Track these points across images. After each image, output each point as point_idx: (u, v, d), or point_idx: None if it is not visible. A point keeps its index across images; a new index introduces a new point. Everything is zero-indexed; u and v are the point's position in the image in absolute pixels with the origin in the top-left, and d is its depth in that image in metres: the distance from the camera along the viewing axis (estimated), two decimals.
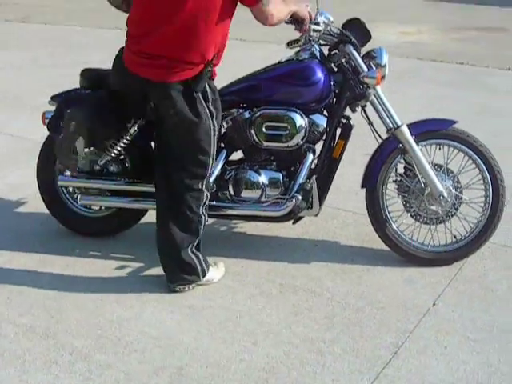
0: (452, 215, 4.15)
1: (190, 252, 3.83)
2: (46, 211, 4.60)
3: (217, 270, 4.01)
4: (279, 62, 4.12)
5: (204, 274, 3.90)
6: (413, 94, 7.63)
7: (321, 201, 4.12)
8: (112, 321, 3.66)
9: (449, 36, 11.02)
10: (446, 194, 4.03)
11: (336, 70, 4.07)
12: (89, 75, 4.23)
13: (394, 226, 4.16)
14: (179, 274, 3.86)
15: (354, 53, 3.97)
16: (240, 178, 4.09)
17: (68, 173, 4.39)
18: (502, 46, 10.21)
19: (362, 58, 4.01)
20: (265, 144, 4.06)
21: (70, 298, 3.88)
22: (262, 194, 4.08)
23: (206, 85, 3.66)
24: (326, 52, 4.12)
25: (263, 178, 4.08)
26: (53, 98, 4.34)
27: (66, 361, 3.36)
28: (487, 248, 4.26)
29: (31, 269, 4.17)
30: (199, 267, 3.86)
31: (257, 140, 4.06)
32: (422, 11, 13.18)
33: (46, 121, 4.23)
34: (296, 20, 3.84)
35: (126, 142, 4.10)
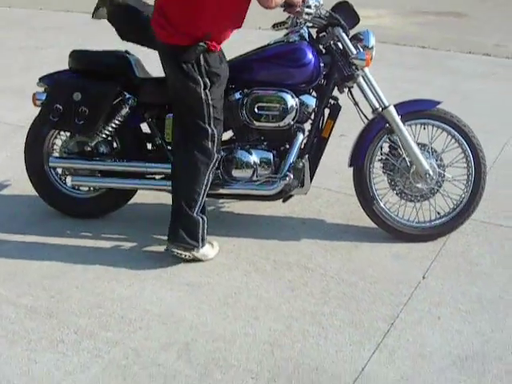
0: (436, 192, 4.30)
1: (195, 214, 3.94)
2: (32, 193, 4.65)
3: (211, 248, 4.10)
4: (269, 44, 4.23)
5: (203, 244, 4.00)
6: (378, 78, 7.65)
7: (311, 179, 4.24)
8: (113, 299, 3.74)
9: (409, 20, 11.20)
10: (431, 172, 4.18)
11: (324, 51, 4.17)
12: (78, 56, 4.32)
13: (381, 204, 4.30)
14: (181, 233, 3.95)
15: (343, 35, 4.07)
16: (231, 158, 4.18)
17: (57, 154, 4.47)
18: (461, 31, 10.40)
19: (350, 40, 4.12)
20: (256, 124, 4.15)
21: (67, 277, 3.94)
22: (253, 174, 4.18)
23: (202, 57, 3.80)
24: (314, 34, 4.24)
25: (254, 158, 4.17)
26: (41, 79, 4.38)
27: (72, 339, 3.43)
28: (468, 224, 4.42)
29: (23, 250, 4.22)
30: (200, 233, 3.98)
31: (248, 120, 4.15)
32: None
33: (38, 102, 4.29)
34: (288, 3, 3.91)
35: (118, 122, 4.20)
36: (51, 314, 3.62)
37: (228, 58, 4.14)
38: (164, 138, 4.29)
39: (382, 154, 4.32)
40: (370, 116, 4.27)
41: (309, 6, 3.99)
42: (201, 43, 3.78)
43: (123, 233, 4.39)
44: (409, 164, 4.20)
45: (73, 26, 10.42)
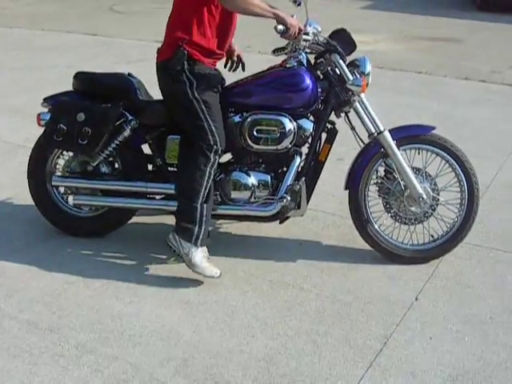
0: (429, 216, 4.40)
1: (197, 204, 4.09)
2: (33, 212, 4.74)
3: (209, 267, 4.16)
4: (268, 69, 4.34)
5: (196, 242, 4.11)
6: (374, 103, 7.80)
7: (307, 201, 4.34)
8: (113, 315, 3.82)
9: (405, 46, 11.35)
10: (425, 196, 4.28)
11: (322, 77, 4.29)
12: (82, 78, 4.43)
13: (376, 226, 4.40)
14: (179, 222, 4.15)
15: (341, 62, 4.19)
16: (230, 180, 4.27)
17: (59, 173, 4.57)
18: (457, 56, 10.55)
19: (347, 66, 4.23)
20: (255, 147, 4.26)
21: (68, 294, 4.02)
22: (251, 195, 4.28)
23: (186, 63, 4.01)
24: (312, 60, 4.35)
25: (252, 180, 4.27)
26: (45, 99, 4.47)
27: (73, 354, 3.51)
28: (461, 248, 4.52)
29: (25, 267, 4.30)
30: (198, 217, 4.10)
31: (247, 143, 4.25)
32: (376, 21, 13.49)
33: (42, 122, 4.39)
34: (286, 28, 3.97)
35: (119, 143, 4.31)
36: (52, 329, 3.70)
37: (228, 83, 4.27)
38: (165, 160, 4.37)
39: (377, 178, 4.42)
40: (366, 140, 4.37)
41: (307, 33, 4.09)
42: (180, 49, 3.99)
43: (123, 251, 4.48)
44: (403, 188, 4.30)
45: (73, 47, 10.56)
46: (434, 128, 4.36)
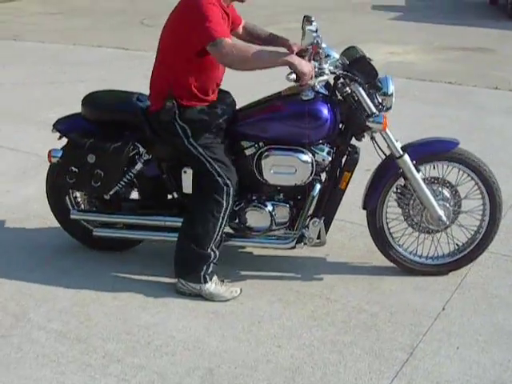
0: (449, 227, 4.33)
1: (204, 251, 4.05)
2: (57, 225, 4.77)
3: (227, 290, 4.15)
4: (280, 93, 4.16)
5: (205, 281, 4.09)
6: (404, 113, 7.85)
7: (326, 231, 4.27)
8: (140, 325, 3.86)
9: (434, 56, 11.30)
10: (444, 218, 4.20)
11: (342, 99, 4.08)
12: (91, 107, 4.35)
13: (396, 246, 4.36)
14: (184, 267, 4.12)
15: (362, 92, 3.99)
16: (249, 210, 4.19)
17: (80, 204, 4.65)
18: (487, 66, 10.49)
19: (368, 88, 4.05)
20: (272, 183, 4.16)
21: (96, 305, 4.06)
22: (271, 224, 4.18)
23: (177, 113, 3.97)
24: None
25: (271, 209, 4.17)
26: (55, 125, 4.45)
27: (100, 363, 3.55)
28: (489, 258, 4.51)
29: (53, 278, 4.35)
30: (203, 271, 4.08)
31: (264, 180, 4.15)
32: (405, 32, 13.45)
33: (53, 160, 4.35)
34: (296, 75, 3.75)
35: (132, 175, 4.32)
36: (80, 339, 3.74)
37: (238, 102, 4.27)
38: (182, 192, 4.29)
39: (397, 191, 4.32)
40: (387, 151, 4.26)
41: (322, 73, 3.89)
42: (168, 101, 3.95)
43: (150, 263, 4.51)
44: (423, 208, 4.24)
45: (104, 61, 10.66)
46: (457, 144, 4.21)
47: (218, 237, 4.08)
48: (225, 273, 4.30)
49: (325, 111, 3.98)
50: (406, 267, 4.37)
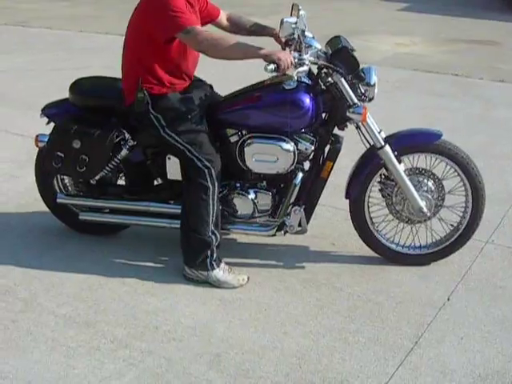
0: (430, 219, 4.36)
1: (204, 237, 4.09)
2: None
3: (235, 277, 4.19)
4: (264, 84, 4.17)
5: (212, 267, 4.13)
6: (409, 105, 7.91)
7: (308, 220, 4.29)
8: (148, 311, 3.90)
9: (441, 48, 11.31)
10: (425, 209, 4.23)
11: (325, 88, 4.09)
12: (78, 93, 4.37)
13: (377, 234, 4.40)
14: (190, 255, 4.16)
15: (343, 82, 3.99)
16: (233, 197, 4.25)
17: (69, 189, 4.71)
18: (494, 59, 10.51)
19: (351, 78, 4.04)
20: (255, 171, 4.19)
21: (104, 290, 4.11)
22: (253, 211, 4.25)
23: (150, 103, 4.02)
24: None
25: (254, 196, 4.22)
26: (43, 110, 4.51)
27: (109, 348, 3.59)
28: (494, 249, 4.55)
29: (62, 263, 4.39)
30: (209, 258, 4.12)
31: (246, 168, 4.19)
32: (413, 23, 13.46)
33: (40, 144, 4.42)
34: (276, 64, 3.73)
35: (118, 161, 4.36)
36: (89, 324, 3.79)
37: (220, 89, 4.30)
38: (166, 178, 4.35)
39: (381, 179, 4.33)
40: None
41: (302, 63, 3.83)
42: (139, 92, 4.00)
43: (159, 250, 4.56)
44: (404, 198, 4.27)
45: (111, 48, 10.65)
46: (440, 135, 4.21)
47: (214, 219, 4.09)
48: (232, 261, 4.34)
49: (307, 100, 4.00)
50: (388, 256, 4.43)
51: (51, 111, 4.48)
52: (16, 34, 12.04)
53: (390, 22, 13.48)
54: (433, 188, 4.28)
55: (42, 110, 4.50)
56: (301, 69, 3.82)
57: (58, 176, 4.64)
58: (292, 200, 4.22)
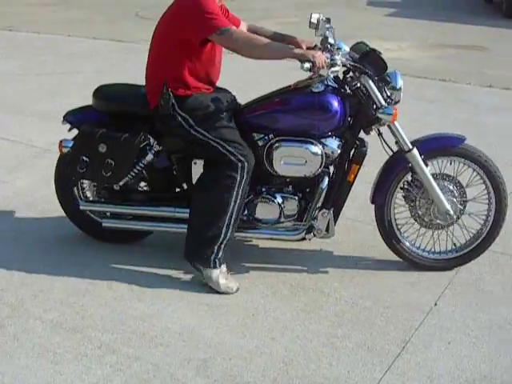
0: (453, 224, 4.40)
1: (214, 230, 4.08)
2: (57, 215, 4.83)
3: (224, 284, 4.16)
4: (293, 87, 4.21)
5: (215, 265, 4.11)
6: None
7: (335, 223, 4.31)
8: (135, 317, 3.89)
9: (429, 53, 11.36)
10: (452, 212, 4.26)
11: (351, 93, 4.16)
12: (103, 99, 4.40)
13: (404, 240, 4.42)
14: (195, 248, 4.15)
15: (371, 84, 4.05)
16: (258, 202, 4.26)
17: (89, 194, 4.67)
18: (481, 64, 10.55)
19: (378, 81, 4.10)
20: (282, 174, 4.21)
21: (92, 295, 4.10)
22: (279, 216, 4.26)
23: (175, 105, 4.04)
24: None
25: (280, 201, 4.24)
26: (65, 117, 4.48)
27: (96, 354, 3.58)
28: (482, 255, 4.55)
29: (50, 269, 4.37)
30: (213, 256, 4.11)
31: (273, 171, 4.20)
32: (400, 29, 13.50)
33: (64, 150, 4.38)
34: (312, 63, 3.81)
35: (143, 166, 4.33)
36: (76, 329, 3.77)
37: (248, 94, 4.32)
38: (192, 184, 4.33)
39: (404, 187, 4.37)
40: (394, 147, 4.33)
41: (334, 64, 3.91)
42: (164, 94, 4.02)
43: (147, 256, 4.55)
44: (431, 201, 4.29)
45: (100, 52, 10.69)
46: (464, 140, 4.30)
47: (235, 215, 4.09)
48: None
49: (335, 103, 4.05)
50: (411, 261, 4.43)
51: (74, 118, 4.46)
52: (4, 38, 12.01)
53: (378, 27, 13.51)
54: (456, 193, 4.32)
55: (64, 117, 4.47)
56: (333, 69, 3.91)
57: (79, 183, 4.60)
58: (319, 204, 4.24)
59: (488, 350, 3.66)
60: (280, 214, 4.24)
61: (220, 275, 4.14)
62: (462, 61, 10.83)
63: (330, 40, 4.09)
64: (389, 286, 4.24)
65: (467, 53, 11.50)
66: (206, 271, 4.13)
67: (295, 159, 4.13)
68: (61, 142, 4.40)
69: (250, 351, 3.60)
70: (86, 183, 4.64)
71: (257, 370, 3.45)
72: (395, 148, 4.30)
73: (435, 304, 4.06)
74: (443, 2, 17.23)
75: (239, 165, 4.02)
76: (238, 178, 4.03)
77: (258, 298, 4.09)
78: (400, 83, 4.16)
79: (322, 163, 4.12)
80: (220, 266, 4.15)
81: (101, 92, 4.41)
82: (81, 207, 4.54)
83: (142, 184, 4.60)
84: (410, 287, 4.23)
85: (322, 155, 4.11)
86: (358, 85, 4.10)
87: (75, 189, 4.60)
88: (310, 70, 3.81)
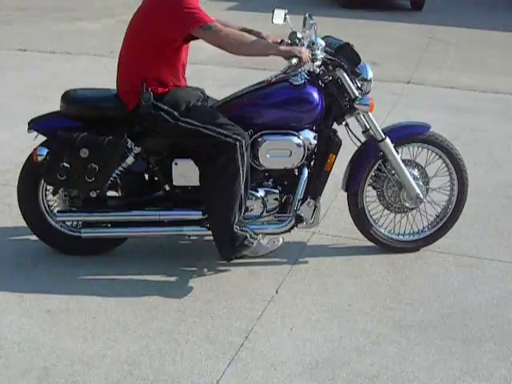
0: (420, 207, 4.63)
1: (236, 226, 4.12)
2: None
3: (268, 244, 4.34)
4: (269, 81, 4.28)
5: (251, 241, 4.18)
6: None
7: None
8: None
9: None
10: (421, 196, 4.48)
11: (323, 85, 4.29)
12: (74, 102, 4.26)
13: (376, 226, 4.61)
14: (230, 247, 4.16)
15: (346, 77, 4.22)
16: None
17: (62, 208, 4.40)
18: None
19: (349, 74, 4.25)
20: (267, 167, 4.27)
21: None
22: (262, 210, 4.31)
23: (155, 103, 4.01)
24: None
25: (263, 195, 4.30)
26: (30, 124, 4.27)
27: None
28: (320, 239, 4.68)
29: None
30: (247, 240, 4.16)
31: (259, 163, 4.24)
32: (241, 22, 13.56)
33: (40, 158, 4.13)
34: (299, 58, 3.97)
35: (122, 170, 4.19)
36: None
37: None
38: (173, 184, 4.26)
39: (374, 173, 4.57)
40: (361, 137, 4.53)
41: (315, 59, 4.11)
42: (144, 94, 3.99)
43: None
44: (400, 186, 4.51)
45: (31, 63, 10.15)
46: (430, 127, 4.54)
47: (244, 190, 4.12)
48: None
49: (315, 95, 4.19)
50: (384, 245, 4.62)
51: (42, 124, 4.26)
52: None
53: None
54: (419, 176, 4.55)
55: (29, 125, 4.25)
56: (317, 63, 4.14)
57: (43, 196, 4.37)
58: (301, 195, 4.31)
59: (329, 332, 3.76)
60: (263, 208, 4.30)
61: (260, 241, 4.26)
62: None
63: (298, 35, 4.27)
64: (230, 278, 4.27)
65: None
66: (252, 250, 4.20)
67: (281, 152, 4.21)
68: (35, 150, 4.16)
69: (92, 355, 3.53)
70: (49, 197, 4.41)
71: (100, 374, 3.39)
72: (362, 138, 4.52)
73: (276, 292, 4.12)
74: None
75: (237, 144, 4.00)
76: (239, 158, 4.02)
77: (99, 299, 4.02)
78: (370, 74, 4.32)
79: (304, 154, 4.23)
80: (253, 236, 4.20)
81: (71, 96, 4.26)
82: (58, 219, 4.34)
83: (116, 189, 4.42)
84: (251, 277, 4.28)
85: (304, 146, 4.21)
86: (330, 78, 4.25)
87: (42, 203, 4.39)
88: (297, 64, 3.97)
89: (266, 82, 4.28)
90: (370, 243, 4.64)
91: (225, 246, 4.17)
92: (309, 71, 4.28)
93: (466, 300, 4.13)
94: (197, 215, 4.28)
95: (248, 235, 4.16)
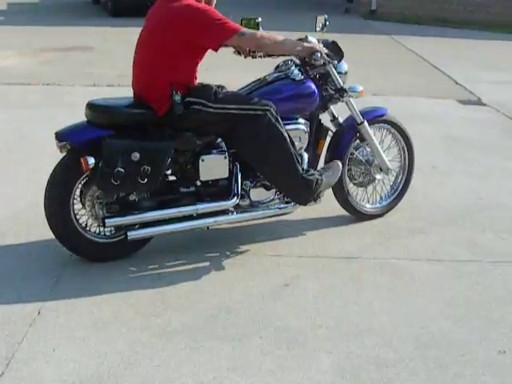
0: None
1: (303, 175, 4.61)
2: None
3: (334, 169, 4.90)
4: (266, 79, 4.85)
5: (320, 180, 4.71)
6: (2, 119, 7.71)
7: None
8: None
9: (35, 59, 11.18)
10: (391, 167, 5.23)
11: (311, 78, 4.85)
12: (103, 111, 4.35)
13: (352, 196, 5.26)
14: (307, 193, 4.69)
15: (334, 71, 4.84)
16: (258, 186, 4.70)
17: (109, 213, 4.42)
18: (86, 64, 10.77)
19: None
20: None
21: None
22: (274, 194, 4.77)
23: (192, 103, 4.31)
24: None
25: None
26: (61, 137, 4.29)
27: None
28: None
29: None
30: (318, 179, 4.69)
31: None
32: (4, 37, 13.21)
33: (90, 167, 4.15)
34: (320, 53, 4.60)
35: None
36: None
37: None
38: (201, 180, 4.51)
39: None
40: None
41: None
42: (174, 97, 4.24)
43: None
44: (372, 162, 5.20)
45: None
46: (387, 110, 5.33)
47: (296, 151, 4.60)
48: None
49: (315, 88, 4.81)
50: (360, 214, 5.31)
51: (72, 136, 4.30)
52: None
53: None
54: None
55: (57, 138, 4.26)
56: (327, 58, 4.72)
57: (72, 204, 4.37)
58: None
59: (94, 347, 3.65)
60: (275, 193, 4.76)
61: (324, 178, 4.75)
62: (67, 63, 10.88)
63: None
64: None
65: (73, 54, 11.60)
66: (325, 185, 4.76)
67: (294, 138, 4.65)
68: (85, 159, 4.14)
69: None
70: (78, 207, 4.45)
71: None
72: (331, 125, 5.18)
73: (38, 312, 3.95)
74: (56, 6, 17.24)
75: (267, 113, 4.41)
76: (275, 122, 4.44)
77: None
78: (346, 68, 4.98)
79: (308, 139, 4.81)
80: (320, 173, 4.76)
81: (99, 106, 4.36)
82: (107, 225, 4.37)
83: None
84: (14, 296, 4.10)
85: (308, 132, 4.80)
86: (315, 73, 4.82)
87: (72, 214, 4.38)
88: (317, 60, 4.59)
89: (264, 80, 4.82)
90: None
91: (302, 195, 4.69)
92: (301, 66, 4.82)
93: (232, 298, 4.18)
94: (227, 205, 4.58)
95: (316, 174, 4.67)
